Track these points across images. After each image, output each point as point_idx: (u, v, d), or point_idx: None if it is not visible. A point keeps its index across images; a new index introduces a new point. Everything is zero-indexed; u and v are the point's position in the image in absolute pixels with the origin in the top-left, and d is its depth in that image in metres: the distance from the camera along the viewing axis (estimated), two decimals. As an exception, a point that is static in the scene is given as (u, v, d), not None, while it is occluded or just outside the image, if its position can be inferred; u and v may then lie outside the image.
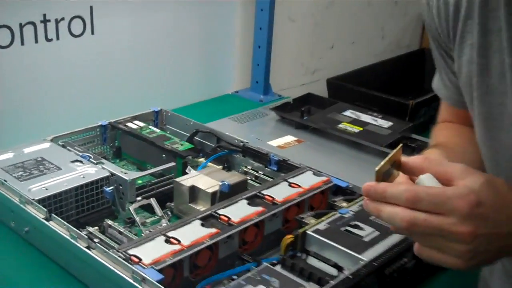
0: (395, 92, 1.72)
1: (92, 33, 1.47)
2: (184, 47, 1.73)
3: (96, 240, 0.88)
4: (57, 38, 1.41)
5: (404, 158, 0.63)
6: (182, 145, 1.22)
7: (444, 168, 0.61)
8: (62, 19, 1.40)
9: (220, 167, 1.18)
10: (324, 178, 1.08)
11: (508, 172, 0.74)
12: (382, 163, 0.60)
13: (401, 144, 0.64)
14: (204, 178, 1.07)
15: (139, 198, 1.04)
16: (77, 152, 1.14)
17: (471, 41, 0.74)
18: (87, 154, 1.13)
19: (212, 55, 1.81)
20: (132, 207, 1.02)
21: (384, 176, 0.61)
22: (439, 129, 0.91)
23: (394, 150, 0.62)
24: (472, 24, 0.73)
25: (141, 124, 1.32)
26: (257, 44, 1.81)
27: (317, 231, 0.91)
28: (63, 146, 1.18)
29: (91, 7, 1.44)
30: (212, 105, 1.79)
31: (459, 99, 0.84)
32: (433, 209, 0.57)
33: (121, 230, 0.96)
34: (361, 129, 1.47)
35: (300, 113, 1.59)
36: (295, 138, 1.48)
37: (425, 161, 0.63)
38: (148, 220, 1.03)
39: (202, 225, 0.91)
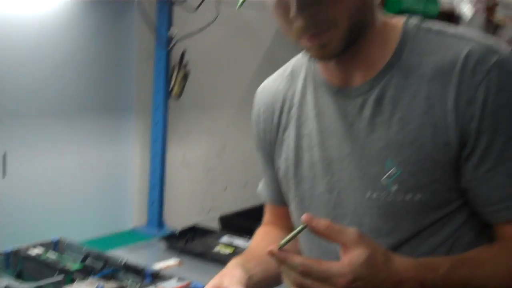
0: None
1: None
2: (86, 189, 1.99)
3: None
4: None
5: (314, 222, 0.81)
6: (73, 265, 1.46)
7: (340, 236, 0.80)
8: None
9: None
10: (184, 283, 1.34)
11: (320, 246, 1.00)
12: (284, 240, 0.80)
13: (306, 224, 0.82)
14: None
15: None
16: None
17: (287, 145, 1.04)
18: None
19: (112, 194, 2.08)
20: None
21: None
22: (257, 234, 1.18)
23: (299, 228, 0.81)
24: (289, 132, 1.03)
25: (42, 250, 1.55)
26: (152, 184, 2.11)
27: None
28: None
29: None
30: (110, 239, 2.03)
31: (277, 197, 1.12)
32: (320, 281, 0.78)
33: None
34: (233, 250, 1.76)
35: (184, 241, 1.86)
36: (178, 260, 1.74)
37: (327, 228, 0.80)
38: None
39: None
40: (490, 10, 3.98)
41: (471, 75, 0.87)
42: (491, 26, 3.86)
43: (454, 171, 0.90)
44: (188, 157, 2.36)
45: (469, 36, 0.91)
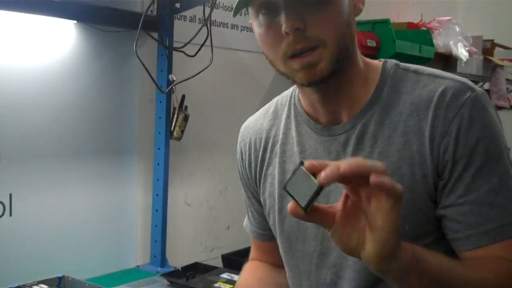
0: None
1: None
2: (90, 228, 2.06)
3: None
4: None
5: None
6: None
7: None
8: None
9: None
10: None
11: (306, 274, 1.05)
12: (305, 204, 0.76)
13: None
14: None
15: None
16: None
17: (271, 181, 1.08)
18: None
19: (115, 232, 2.15)
20: None
21: None
22: (244, 270, 1.21)
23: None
24: (273, 168, 1.07)
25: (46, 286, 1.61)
26: (154, 223, 2.17)
27: None
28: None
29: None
30: (113, 277, 2.08)
31: (262, 232, 1.17)
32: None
33: None
34: (232, 286, 1.80)
35: (186, 278, 1.91)
36: (178, 297, 1.79)
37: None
38: None
39: None
40: (487, 52, 4.07)
41: (445, 110, 0.93)
42: (489, 67, 3.94)
43: (432, 202, 0.95)
44: (190, 197, 2.42)
45: (444, 75, 0.98)
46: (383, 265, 0.76)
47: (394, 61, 1.03)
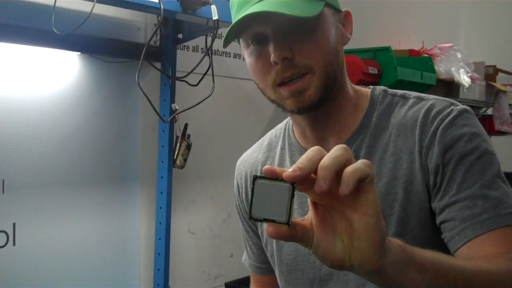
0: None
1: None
2: (93, 256, 2.07)
3: None
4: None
5: None
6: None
7: None
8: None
9: None
10: None
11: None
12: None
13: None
14: None
15: None
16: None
17: None
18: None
19: (118, 261, 2.15)
20: None
21: None
22: None
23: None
24: None
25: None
26: (157, 252, 2.18)
27: None
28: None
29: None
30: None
31: (261, 266, 1.18)
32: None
33: None
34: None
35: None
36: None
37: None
38: None
39: None
40: (490, 77, 4.09)
41: (430, 124, 0.96)
42: (492, 93, 3.96)
43: (429, 213, 0.95)
44: (193, 225, 2.43)
45: (429, 97, 1.01)
46: (378, 260, 0.66)
47: (382, 87, 1.06)
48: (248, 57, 1.00)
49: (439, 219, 0.94)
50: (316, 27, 0.93)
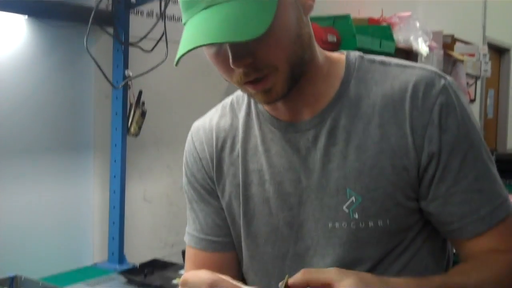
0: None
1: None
2: (45, 226, 2.03)
3: None
4: None
5: (290, 279, 0.81)
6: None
7: (321, 275, 0.81)
8: None
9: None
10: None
11: (278, 276, 0.96)
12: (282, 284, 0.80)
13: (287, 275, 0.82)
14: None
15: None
16: None
17: (230, 181, 1.02)
18: None
19: (72, 230, 2.12)
20: None
21: None
22: None
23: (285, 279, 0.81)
24: (234, 168, 1.02)
25: (-3, 286, 1.58)
26: (111, 220, 2.15)
27: None
28: None
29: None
30: (70, 275, 2.06)
31: (216, 240, 1.05)
32: None
33: None
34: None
35: (144, 275, 1.90)
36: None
37: (304, 274, 0.81)
38: None
39: None
40: (448, 46, 4.13)
41: (422, 100, 0.92)
42: (449, 62, 4.01)
43: (414, 193, 0.94)
44: (149, 193, 2.40)
45: (412, 64, 0.97)
46: None
47: (357, 52, 1.00)
48: (206, 50, 0.93)
49: (431, 205, 0.94)
50: (273, 23, 0.84)
